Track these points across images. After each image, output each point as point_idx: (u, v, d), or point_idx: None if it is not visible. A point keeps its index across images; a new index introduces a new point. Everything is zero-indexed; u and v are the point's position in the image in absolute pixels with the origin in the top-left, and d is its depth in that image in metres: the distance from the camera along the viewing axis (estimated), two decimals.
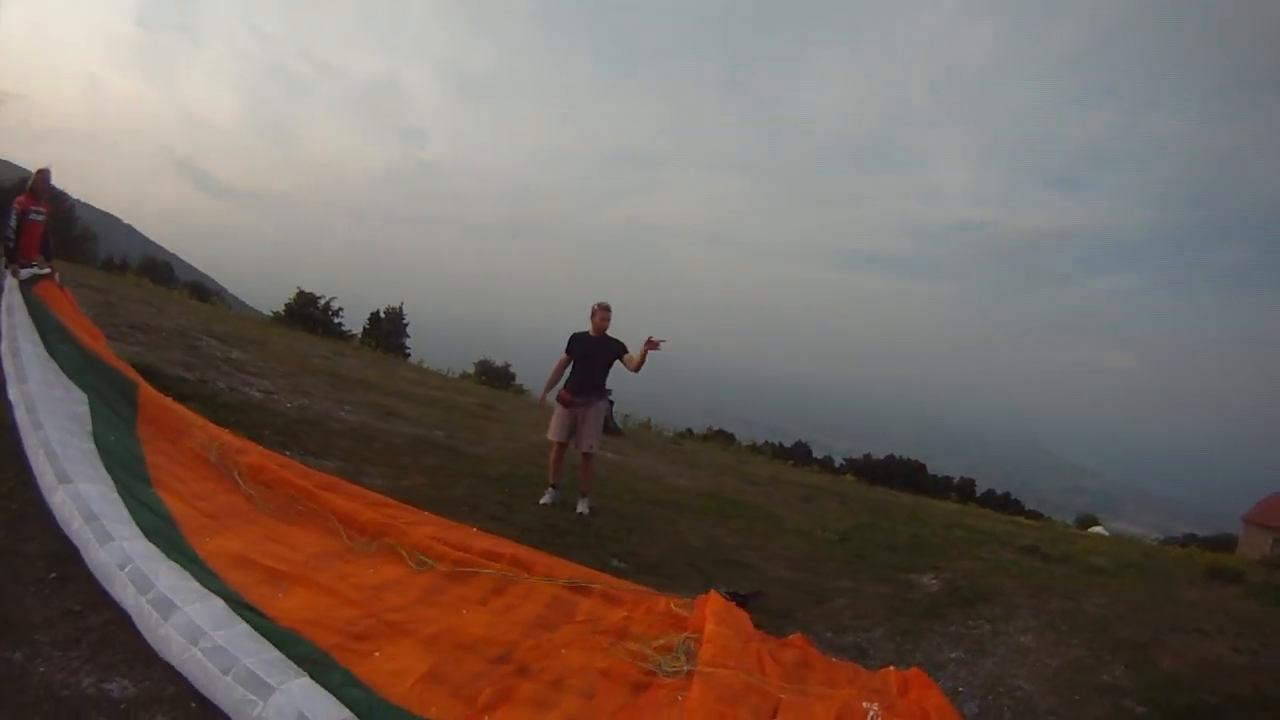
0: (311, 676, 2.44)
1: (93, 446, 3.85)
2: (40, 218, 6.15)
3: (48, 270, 5.99)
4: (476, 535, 4.29)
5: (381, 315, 27.79)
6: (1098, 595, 5.42)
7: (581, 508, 6.27)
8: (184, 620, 2.61)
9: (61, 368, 4.53)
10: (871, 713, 3.01)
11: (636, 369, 6.05)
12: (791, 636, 3.81)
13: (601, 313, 6.30)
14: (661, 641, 3.37)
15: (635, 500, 7.35)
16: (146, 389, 4.81)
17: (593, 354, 6.26)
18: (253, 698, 2.33)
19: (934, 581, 5.64)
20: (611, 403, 14.26)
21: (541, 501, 6.32)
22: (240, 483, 4.15)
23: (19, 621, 2.86)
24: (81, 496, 3.31)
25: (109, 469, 3.67)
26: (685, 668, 3.15)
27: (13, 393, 4.22)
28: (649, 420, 18.97)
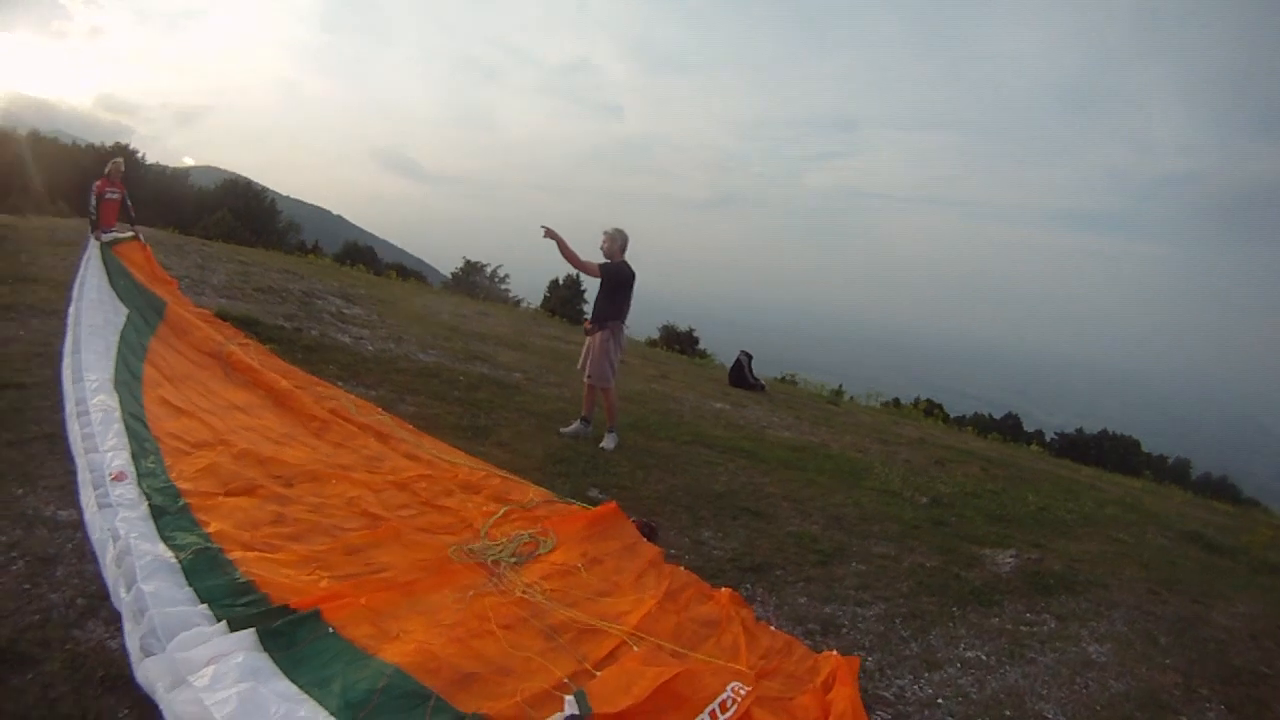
0: (132, 455, 3.30)
1: (117, 339, 5.05)
2: (115, 196, 8.07)
3: (130, 234, 7.88)
4: (414, 438, 4.63)
5: (560, 283, 29.85)
6: (1241, 603, 3.89)
7: (606, 443, 6.01)
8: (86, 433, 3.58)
9: (117, 294, 6.05)
10: (728, 695, 2.34)
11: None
12: (718, 590, 3.20)
13: (605, 238, 6.03)
14: (496, 529, 3.41)
15: (689, 442, 6.86)
16: (174, 307, 5.98)
17: (605, 280, 6.00)
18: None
19: (1011, 560, 4.43)
20: (750, 356, 13.69)
21: (561, 431, 6.19)
22: (223, 365, 5.14)
23: (33, 471, 3.48)
24: (81, 359, 4.46)
25: (119, 350, 4.81)
26: (508, 560, 3.08)
27: (71, 309, 5.65)
28: (832, 385, 17.93)
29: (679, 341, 24.30)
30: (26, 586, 2.59)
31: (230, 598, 2.41)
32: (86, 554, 2.76)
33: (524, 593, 2.85)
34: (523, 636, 2.55)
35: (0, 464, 3.44)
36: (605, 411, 6.17)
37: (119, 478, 3.11)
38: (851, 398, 17.30)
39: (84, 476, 3.16)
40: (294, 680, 2.08)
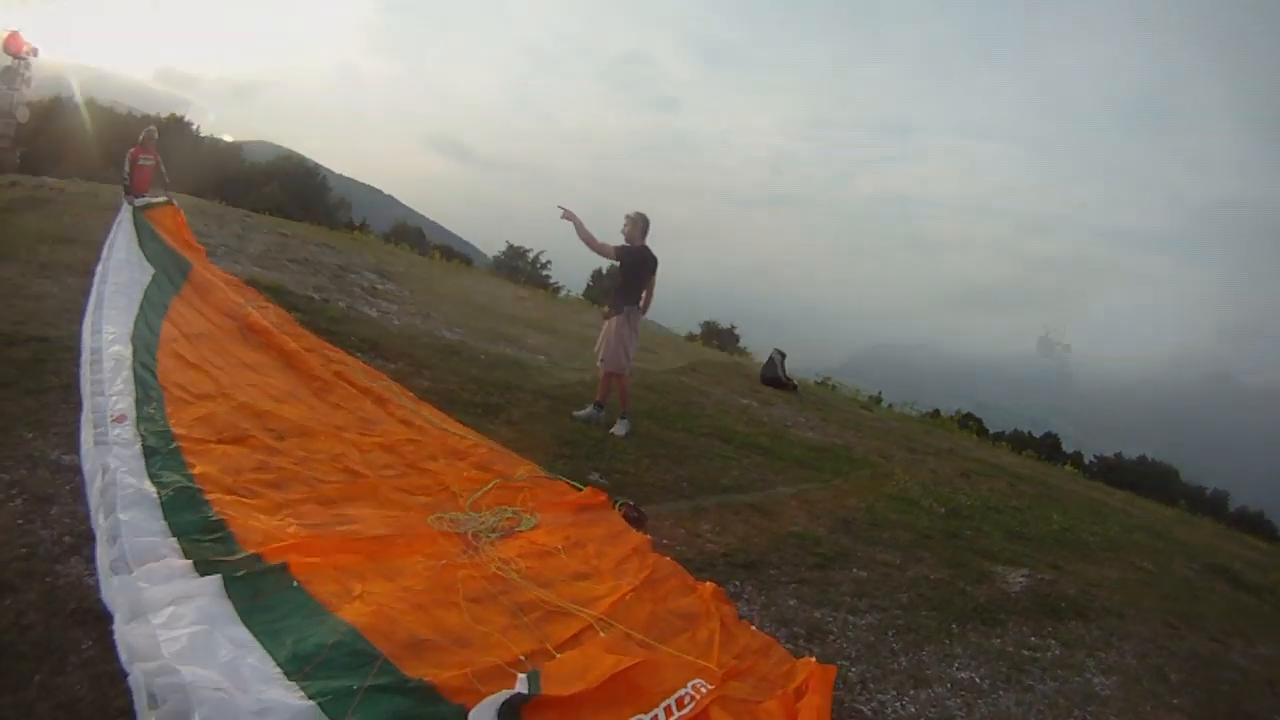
0: (136, 401, 3.47)
1: (141, 296, 5.25)
2: (149, 162, 8.69)
3: (163, 198, 8.27)
4: (414, 405, 4.72)
5: (603, 272, 30.33)
6: (1263, 644, 3.67)
7: (617, 429, 5.98)
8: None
9: (145, 255, 6.29)
10: (686, 692, 2.29)
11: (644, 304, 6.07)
12: (702, 584, 3.14)
13: (627, 222, 6.03)
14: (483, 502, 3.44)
15: (705, 435, 6.79)
16: (199, 269, 6.23)
17: (623, 264, 5.99)
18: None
19: (1023, 579, 4.26)
20: (783, 355, 13.50)
21: (574, 414, 6.17)
22: (240, 326, 5.34)
23: (45, 418, 3.68)
24: (102, 314, 4.65)
25: (142, 307, 5.01)
26: (488, 534, 3.09)
27: (99, 268, 5.88)
28: (871, 393, 17.66)
29: (719, 337, 24.27)
30: (20, 522, 2.71)
31: (199, 533, 2.52)
32: (82, 496, 2.87)
33: (498, 568, 2.85)
34: (488, 611, 2.54)
35: (16, 409, 3.63)
36: (618, 397, 6.14)
37: (119, 419, 3.27)
38: (890, 405, 16.96)
39: (87, 417, 3.32)
40: (250, 627, 2.12)
